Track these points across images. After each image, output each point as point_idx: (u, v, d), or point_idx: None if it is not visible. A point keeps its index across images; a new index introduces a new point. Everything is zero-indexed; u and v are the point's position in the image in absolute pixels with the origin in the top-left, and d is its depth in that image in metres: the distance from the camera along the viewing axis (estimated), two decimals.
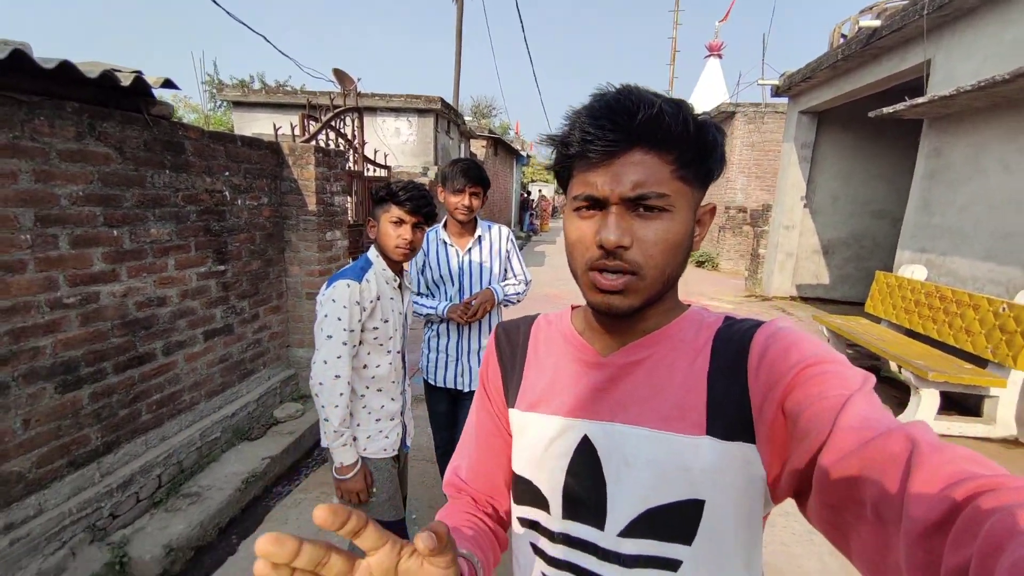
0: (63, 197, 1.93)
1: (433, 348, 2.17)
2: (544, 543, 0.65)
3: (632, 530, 0.58)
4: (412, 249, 1.50)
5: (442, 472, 2.40)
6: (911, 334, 4.51)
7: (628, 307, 0.57)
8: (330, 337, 1.41)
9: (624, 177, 0.54)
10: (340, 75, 6.37)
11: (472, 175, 1.99)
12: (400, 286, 1.62)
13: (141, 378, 2.30)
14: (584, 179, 0.57)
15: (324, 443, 1.47)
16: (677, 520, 0.56)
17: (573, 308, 0.73)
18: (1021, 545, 0.29)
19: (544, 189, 29.96)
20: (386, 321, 1.53)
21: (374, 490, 1.55)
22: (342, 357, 1.42)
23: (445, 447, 2.31)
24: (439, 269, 2.10)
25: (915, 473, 0.37)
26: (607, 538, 0.59)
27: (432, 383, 2.19)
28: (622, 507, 0.58)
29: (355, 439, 1.53)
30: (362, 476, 1.48)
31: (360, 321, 1.46)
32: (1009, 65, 3.51)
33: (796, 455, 0.48)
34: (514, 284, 2.17)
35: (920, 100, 4.07)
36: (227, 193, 2.79)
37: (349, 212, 4.06)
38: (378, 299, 1.50)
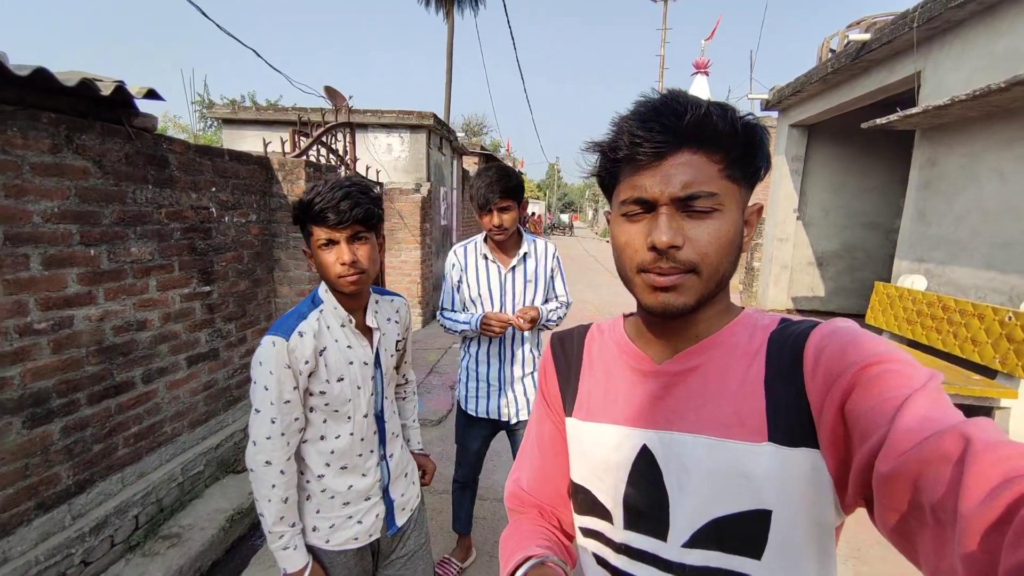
0: (36, 214, 1.79)
1: (473, 376, 1.97)
2: (608, 553, 0.64)
3: (697, 541, 0.57)
4: (362, 271, 1.12)
5: (455, 509, 2.19)
6: (914, 345, 4.45)
7: (683, 305, 0.56)
8: (258, 412, 1.09)
9: (673, 178, 0.54)
10: (331, 92, 6.30)
11: (498, 188, 1.74)
12: (364, 327, 1.23)
13: (118, 409, 2.13)
14: (632, 183, 0.57)
15: (261, 504, 1.13)
16: (744, 531, 0.55)
17: (625, 317, 0.72)
18: None
19: (535, 207, 30.06)
20: (340, 380, 1.16)
21: None
22: (272, 438, 1.08)
23: (464, 481, 2.13)
24: (478, 286, 1.90)
25: (968, 472, 0.35)
26: (670, 549, 0.58)
27: (472, 414, 1.99)
28: (685, 517, 0.57)
29: (315, 529, 1.19)
30: None
31: (296, 388, 1.11)
32: (1000, 76, 3.53)
33: (857, 459, 0.46)
34: (556, 307, 1.97)
35: (914, 110, 4.08)
36: (213, 210, 2.66)
37: None
38: (321, 354, 1.13)
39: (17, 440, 1.75)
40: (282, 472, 1.10)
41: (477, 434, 2.03)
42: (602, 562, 0.65)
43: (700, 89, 12.09)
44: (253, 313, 3.07)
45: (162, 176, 2.31)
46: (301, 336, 1.11)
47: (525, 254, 1.91)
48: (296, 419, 1.13)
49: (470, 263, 1.92)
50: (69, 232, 1.90)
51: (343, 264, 1.10)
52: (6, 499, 1.71)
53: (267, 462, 1.09)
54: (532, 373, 1.98)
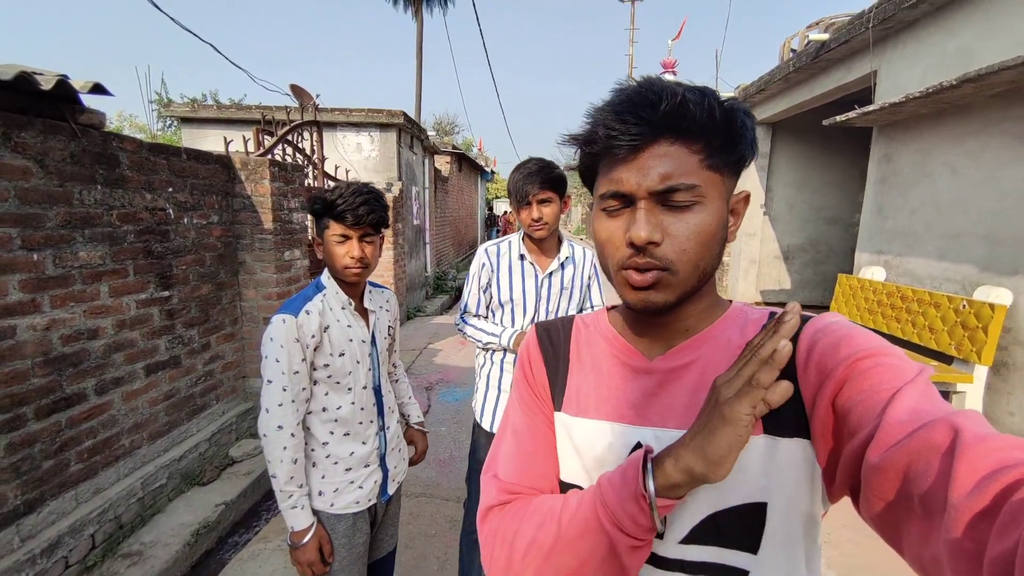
0: None
1: (494, 385, 1.77)
2: None
3: (694, 537, 0.56)
4: (366, 266, 1.31)
5: (463, 567, 1.86)
6: (876, 334, 4.61)
7: (664, 302, 0.55)
8: (270, 382, 1.23)
9: (651, 170, 0.52)
10: (297, 90, 6.13)
11: (539, 178, 1.61)
12: (361, 309, 1.41)
13: (69, 423, 2.01)
14: (610, 176, 0.56)
15: (275, 469, 1.25)
16: (741, 525, 0.55)
17: (609, 309, 0.71)
18: None
19: (508, 205, 29.99)
20: (342, 355, 1.32)
21: (331, 561, 1.30)
22: (283, 405, 1.23)
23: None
24: (510, 290, 1.74)
25: (958, 462, 0.36)
26: (666, 546, 0.57)
27: (488, 430, 1.77)
28: (683, 514, 0.56)
29: (320, 493, 1.31)
30: (315, 546, 1.25)
31: (304, 360, 1.26)
32: (950, 74, 3.69)
33: (847, 451, 0.46)
34: None
35: (871, 108, 4.23)
36: (171, 211, 2.54)
37: (309, 230, 3.83)
38: (326, 331, 1.29)
39: None
40: (292, 435, 1.24)
41: None
42: None
43: None
44: (217, 318, 2.95)
45: (112, 176, 2.18)
46: (308, 314, 1.26)
47: (567, 258, 1.76)
48: (304, 388, 1.27)
49: (502, 263, 1.76)
50: (8, 236, 1.78)
51: (352, 258, 1.28)
52: None
53: (279, 427, 1.23)
54: None
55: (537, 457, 0.66)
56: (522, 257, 1.75)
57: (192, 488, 2.57)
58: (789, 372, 0.53)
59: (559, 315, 1.66)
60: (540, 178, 1.61)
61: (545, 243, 1.73)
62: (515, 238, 1.79)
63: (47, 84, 1.75)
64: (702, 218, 0.53)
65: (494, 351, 1.79)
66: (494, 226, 20.24)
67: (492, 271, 1.77)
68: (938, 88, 3.48)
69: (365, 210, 1.25)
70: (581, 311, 1.82)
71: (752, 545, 0.55)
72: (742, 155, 0.56)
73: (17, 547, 1.80)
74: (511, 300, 1.74)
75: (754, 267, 8.07)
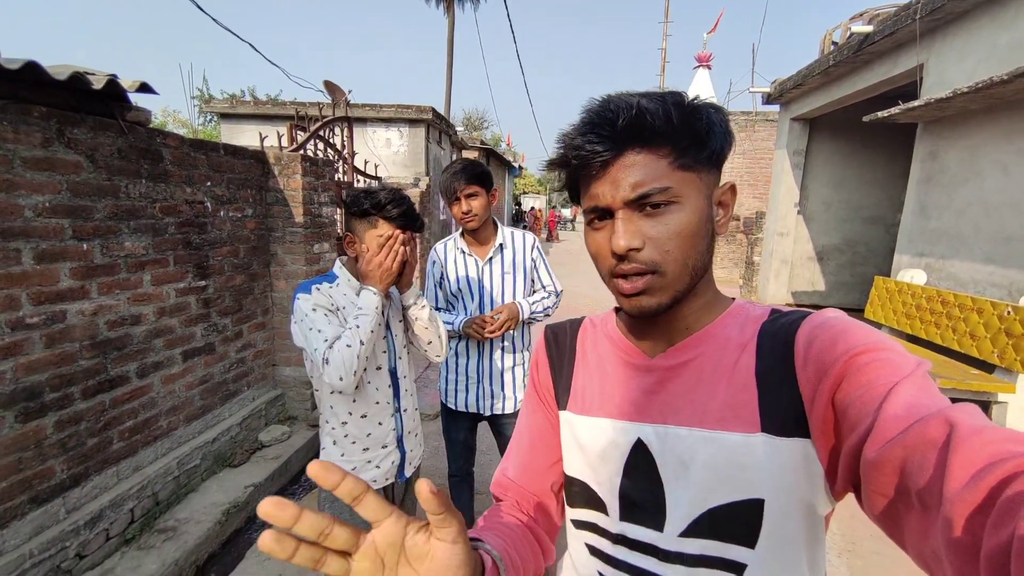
0: (27, 208, 1.79)
1: (452, 368, 1.98)
2: (603, 543, 0.65)
3: (693, 531, 0.57)
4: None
5: (454, 505, 2.22)
6: (913, 339, 4.43)
7: (657, 305, 0.57)
8: (310, 329, 1.30)
9: (622, 181, 0.55)
10: (330, 87, 6.27)
11: (464, 175, 1.78)
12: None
13: (112, 403, 2.14)
14: (589, 193, 0.58)
15: (365, 332, 1.28)
16: (737, 521, 0.55)
17: (617, 311, 0.72)
18: None
19: (536, 201, 30.01)
20: None
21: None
22: (327, 341, 1.28)
23: (459, 475, 2.13)
24: (457, 281, 1.91)
25: (953, 456, 0.36)
26: (667, 539, 0.59)
27: (452, 407, 2.00)
28: (681, 508, 0.58)
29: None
30: (375, 259, 1.31)
31: (327, 316, 1.34)
32: (1003, 68, 3.49)
33: (846, 447, 0.46)
34: (543, 298, 1.97)
35: (916, 103, 4.05)
36: (209, 204, 2.65)
37: (338, 224, 3.93)
38: (337, 312, 1.38)
39: (10, 434, 1.75)
40: (331, 347, 1.27)
41: (460, 426, 2.04)
42: (597, 552, 0.66)
43: (702, 82, 12.01)
44: (249, 307, 3.07)
45: (156, 170, 2.30)
46: (319, 290, 1.37)
47: (501, 245, 1.91)
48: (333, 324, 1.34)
49: (449, 259, 1.93)
50: (61, 226, 1.90)
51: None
52: (0, 493, 1.72)
53: (329, 345, 1.27)
54: (513, 367, 1.97)
55: (535, 454, 0.74)
56: (462, 251, 1.92)
57: (224, 469, 2.69)
58: (789, 370, 0.54)
59: (504, 297, 1.92)
60: (465, 175, 1.77)
61: (480, 234, 1.88)
62: (456, 235, 1.96)
63: (98, 84, 1.86)
64: (680, 217, 0.55)
65: (450, 338, 1.95)
66: (521, 221, 20.26)
67: (442, 266, 1.94)
68: (988, 83, 3.30)
69: (414, 214, 1.35)
70: (533, 294, 1.99)
71: (749, 540, 0.55)
72: (714, 150, 0.56)
73: (63, 518, 1.92)
74: (460, 290, 1.92)
75: (786, 267, 7.84)
